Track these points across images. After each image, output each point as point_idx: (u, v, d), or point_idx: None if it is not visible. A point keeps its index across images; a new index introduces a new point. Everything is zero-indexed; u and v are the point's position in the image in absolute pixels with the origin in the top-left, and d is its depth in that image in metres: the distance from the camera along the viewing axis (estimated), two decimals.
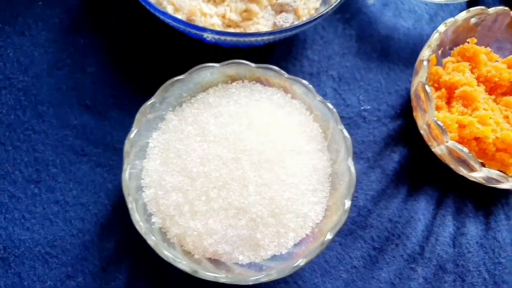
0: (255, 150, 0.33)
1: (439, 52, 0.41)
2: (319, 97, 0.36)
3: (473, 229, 0.39)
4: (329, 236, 0.31)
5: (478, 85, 0.40)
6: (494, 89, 0.40)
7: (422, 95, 0.36)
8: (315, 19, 0.36)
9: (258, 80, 0.37)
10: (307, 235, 0.34)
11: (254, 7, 0.37)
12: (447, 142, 0.35)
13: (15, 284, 0.34)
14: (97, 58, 0.41)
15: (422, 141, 0.39)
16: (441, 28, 0.38)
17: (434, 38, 0.37)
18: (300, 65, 0.43)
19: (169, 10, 0.37)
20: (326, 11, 0.36)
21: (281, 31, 0.35)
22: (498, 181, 0.35)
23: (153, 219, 0.33)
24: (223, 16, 0.37)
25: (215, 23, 0.37)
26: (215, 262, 0.33)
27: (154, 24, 0.41)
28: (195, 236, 0.32)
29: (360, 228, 0.38)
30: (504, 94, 0.41)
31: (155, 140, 0.35)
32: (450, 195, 0.40)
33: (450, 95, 0.40)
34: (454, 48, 0.42)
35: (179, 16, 0.37)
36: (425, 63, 0.37)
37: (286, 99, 0.37)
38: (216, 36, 0.34)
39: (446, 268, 0.37)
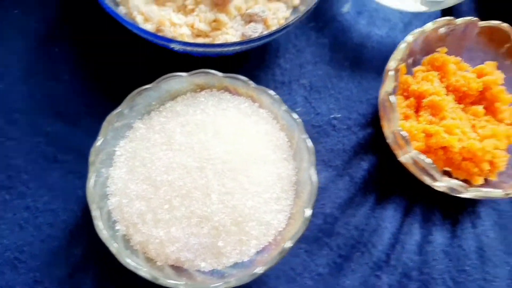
0: (219, 159, 0.34)
1: (410, 60, 0.42)
2: (284, 107, 0.36)
3: (439, 237, 0.39)
4: (288, 245, 0.32)
5: (447, 94, 0.40)
6: (463, 98, 0.41)
7: (387, 105, 0.37)
8: (281, 29, 0.36)
9: (227, 89, 0.38)
10: (269, 242, 0.34)
11: (223, 17, 0.38)
12: (410, 152, 0.35)
13: None
14: (71, 66, 0.42)
15: (391, 150, 0.40)
16: (409, 38, 0.38)
17: (401, 48, 0.38)
18: (272, 73, 0.43)
19: (139, 20, 0.38)
20: (292, 21, 0.37)
21: (248, 42, 0.36)
22: (459, 191, 0.35)
23: (117, 227, 0.34)
24: (192, 26, 0.38)
25: (184, 33, 0.37)
26: (178, 269, 0.33)
27: (127, 33, 0.42)
28: (157, 243, 0.33)
29: (326, 235, 0.38)
30: (473, 103, 0.41)
31: (122, 148, 0.36)
32: (418, 203, 0.40)
33: (418, 104, 0.40)
34: (425, 57, 0.42)
35: (148, 26, 0.37)
36: (390, 73, 0.37)
37: (253, 108, 0.38)
38: (184, 47, 0.35)
39: (411, 275, 0.38)
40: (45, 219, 0.37)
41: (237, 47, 0.36)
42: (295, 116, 0.36)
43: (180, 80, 0.37)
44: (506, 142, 0.39)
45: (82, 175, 0.39)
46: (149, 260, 0.33)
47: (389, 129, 0.37)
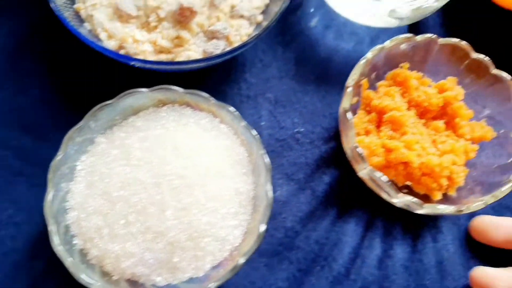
0: (176, 175, 0.34)
1: (373, 75, 0.42)
2: (243, 123, 0.37)
3: (400, 251, 0.40)
4: (241, 261, 0.32)
5: (409, 109, 0.41)
6: (424, 113, 0.41)
7: (344, 121, 0.37)
8: (242, 46, 0.37)
9: (188, 104, 0.39)
10: (225, 258, 0.35)
11: (185, 34, 0.38)
12: (366, 168, 0.36)
13: None
14: (39, 80, 0.42)
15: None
16: (368, 55, 0.39)
17: (360, 65, 0.38)
18: (238, 88, 0.44)
19: (103, 36, 0.38)
20: (252, 38, 0.37)
21: (207, 59, 0.37)
22: (414, 208, 0.36)
23: (75, 241, 0.34)
24: (155, 43, 0.38)
25: (146, 49, 0.38)
26: (134, 283, 0.34)
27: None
28: (113, 258, 0.33)
29: (286, 249, 0.39)
30: (435, 118, 0.41)
31: (83, 163, 0.37)
32: (379, 217, 0.41)
33: (380, 119, 0.41)
34: (388, 72, 0.42)
35: (112, 42, 0.38)
36: (348, 90, 0.37)
37: (214, 123, 0.38)
38: (143, 65, 0.36)
39: None
40: (8, 232, 0.38)
41: (196, 65, 0.36)
42: (254, 132, 0.36)
43: (141, 95, 0.37)
44: (465, 157, 0.39)
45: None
46: (106, 274, 0.34)
47: (347, 145, 0.38)
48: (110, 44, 0.38)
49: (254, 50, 0.45)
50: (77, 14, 0.39)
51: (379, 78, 0.43)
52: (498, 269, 0.37)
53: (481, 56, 0.40)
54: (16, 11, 0.45)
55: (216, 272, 0.34)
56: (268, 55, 0.45)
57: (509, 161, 0.38)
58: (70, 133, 0.36)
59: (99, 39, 0.38)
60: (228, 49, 0.39)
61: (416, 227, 0.41)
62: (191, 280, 0.34)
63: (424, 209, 0.35)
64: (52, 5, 0.36)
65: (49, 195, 0.34)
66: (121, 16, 0.38)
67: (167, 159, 0.35)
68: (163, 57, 0.39)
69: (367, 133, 0.40)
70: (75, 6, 0.39)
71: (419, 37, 0.40)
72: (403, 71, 0.41)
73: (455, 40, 0.40)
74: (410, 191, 0.40)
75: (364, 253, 0.39)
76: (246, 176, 0.37)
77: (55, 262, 0.36)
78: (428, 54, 0.42)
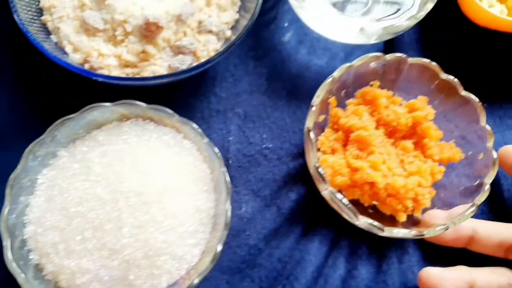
0: (134, 192, 0.34)
1: (343, 93, 0.42)
2: (206, 140, 0.36)
3: (364, 272, 0.39)
4: (196, 281, 0.32)
5: (378, 128, 0.40)
6: (393, 132, 0.41)
7: (307, 140, 0.37)
8: (206, 63, 0.37)
9: (153, 119, 0.38)
10: (182, 276, 0.34)
11: (150, 49, 0.38)
12: (326, 189, 0.35)
13: None
14: (5, 92, 0.42)
15: None
16: (335, 73, 0.38)
17: (326, 84, 0.38)
18: (208, 102, 0.43)
19: (68, 49, 0.38)
20: (218, 54, 0.37)
21: (171, 75, 0.36)
22: (374, 230, 0.35)
23: (31, 256, 0.34)
24: (120, 57, 0.38)
25: (111, 64, 0.38)
26: None
27: None
28: (68, 274, 0.33)
29: (249, 267, 0.39)
30: (404, 137, 0.41)
31: (44, 176, 0.36)
32: (344, 236, 0.40)
33: (347, 137, 0.40)
34: (359, 90, 0.42)
35: (77, 56, 0.38)
36: (313, 109, 0.37)
37: (177, 139, 0.38)
38: (106, 80, 0.35)
39: None
40: None
41: (159, 81, 0.36)
42: (216, 150, 0.36)
43: (104, 110, 0.37)
44: (431, 179, 0.39)
45: None
46: None
47: (310, 164, 0.37)
48: (75, 57, 0.38)
49: (226, 64, 0.45)
50: (44, 25, 0.39)
51: (349, 95, 0.42)
52: (445, 269, 0.36)
53: (450, 78, 0.40)
54: None
55: None
56: (240, 69, 0.45)
57: (475, 183, 0.38)
58: (31, 146, 0.35)
59: (65, 52, 0.38)
60: (194, 64, 0.39)
61: (381, 247, 0.40)
62: None
63: (385, 233, 0.35)
64: (16, 18, 0.36)
65: (5, 210, 0.33)
66: (87, 29, 0.38)
67: (125, 175, 0.35)
68: (128, 71, 0.38)
69: (333, 151, 0.40)
70: (42, 18, 0.39)
71: (389, 56, 0.40)
72: (372, 89, 0.41)
73: (425, 60, 0.40)
74: (376, 211, 0.40)
75: (328, 272, 0.39)
76: (208, 194, 0.37)
77: (12, 278, 0.37)
78: (399, 72, 0.42)
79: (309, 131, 0.37)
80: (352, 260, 0.40)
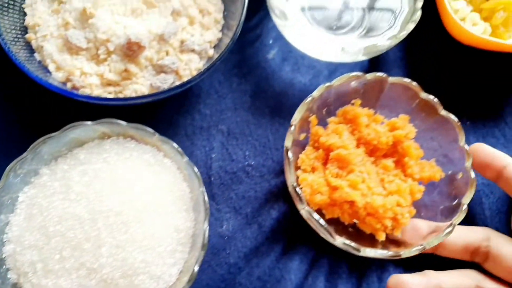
0: (113, 211, 0.34)
1: (324, 111, 0.42)
2: (186, 159, 0.37)
3: None
4: None
5: (358, 147, 0.41)
6: (374, 151, 0.41)
7: (286, 160, 0.37)
8: (188, 82, 0.37)
9: (133, 137, 0.39)
10: None
11: (132, 68, 0.38)
12: (303, 208, 0.36)
13: None
14: None
15: None
16: (314, 93, 0.39)
17: (305, 103, 0.38)
18: (192, 118, 0.44)
19: (51, 68, 0.38)
20: (198, 74, 0.37)
21: (152, 95, 0.37)
22: (351, 251, 0.35)
23: (9, 275, 0.34)
24: (102, 76, 0.38)
25: (93, 82, 0.38)
26: None
27: None
28: None
29: (228, 286, 0.39)
30: (386, 156, 0.41)
31: (24, 194, 0.37)
32: (325, 255, 0.40)
33: (327, 156, 0.40)
34: (340, 108, 0.42)
35: (60, 74, 0.38)
36: (291, 128, 0.37)
37: (157, 157, 0.38)
38: (87, 100, 0.36)
39: None
40: None
41: (140, 101, 0.36)
42: (195, 169, 0.36)
43: (86, 128, 0.37)
44: (411, 198, 0.39)
45: None
46: None
47: (288, 183, 0.38)
48: (58, 76, 0.38)
49: (210, 81, 0.45)
50: (28, 43, 0.40)
51: (331, 113, 0.43)
52: (413, 275, 0.37)
53: (430, 97, 0.40)
54: None
55: None
56: (224, 86, 0.45)
57: (454, 203, 0.38)
58: (12, 164, 0.36)
59: (48, 71, 0.38)
60: (177, 83, 0.39)
61: (362, 266, 0.40)
62: None
63: (361, 253, 0.35)
64: None
65: None
66: (70, 48, 0.38)
67: (104, 194, 0.35)
68: (110, 89, 0.39)
69: (313, 170, 0.40)
70: (27, 36, 0.40)
71: (369, 76, 0.40)
72: (353, 108, 0.41)
73: (405, 80, 0.40)
74: (357, 229, 0.40)
75: None
76: (187, 213, 0.37)
77: None
78: (380, 91, 0.42)
79: (287, 150, 0.37)
80: (332, 279, 0.40)
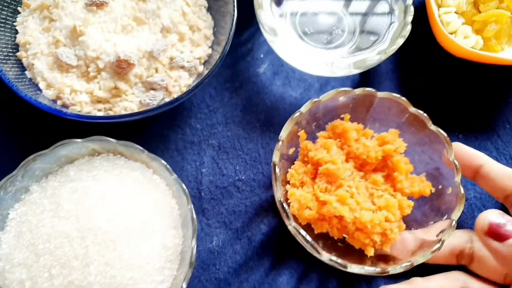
0: (101, 230, 0.35)
1: (313, 125, 0.42)
2: (174, 176, 0.37)
3: None
4: None
5: (348, 161, 0.41)
6: (364, 165, 0.41)
7: (273, 175, 0.37)
8: (176, 100, 0.37)
9: (123, 154, 0.39)
10: None
11: (122, 85, 0.39)
12: (290, 224, 0.36)
13: None
14: None
15: None
16: (302, 108, 0.39)
17: (293, 118, 0.38)
18: (183, 133, 0.44)
19: (42, 86, 0.39)
20: (188, 90, 0.37)
21: (140, 113, 0.37)
22: (338, 267, 0.35)
23: None
24: (92, 93, 0.39)
25: (83, 100, 0.38)
26: None
27: None
28: None
29: None
30: (376, 170, 0.41)
31: (15, 211, 0.37)
32: (315, 270, 0.40)
33: (316, 171, 0.40)
34: (329, 123, 0.42)
35: (50, 92, 0.39)
36: (279, 143, 0.38)
37: (146, 174, 0.38)
38: (76, 119, 0.36)
39: None
40: None
41: (128, 119, 0.37)
42: (184, 186, 0.36)
43: (76, 145, 0.38)
44: (400, 213, 0.39)
45: None
46: None
47: (276, 198, 0.38)
48: (48, 94, 0.38)
49: (202, 95, 0.45)
50: (19, 61, 0.40)
51: (320, 128, 0.43)
52: (401, 284, 0.38)
53: (419, 112, 0.40)
54: None
55: None
56: (215, 100, 0.45)
57: (443, 219, 0.38)
58: (2, 182, 0.36)
59: (39, 88, 0.39)
60: (167, 99, 0.39)
61: (352, 280, 0.40)
62: None
63: (348, 269, 0.35)
64: None
65: None
66: (61, 65, 0.39)
67: (93, 212, 0.35)
68: (100, 106, 0.39)
69: (302, 184, 0.40)
70: (18, 53, 0.40)
71: (358, 91, 0.40)
72: (342, 123, 0.41)
73: (394, 95, 0.40)
74: (346, 244, 0.40)
75: None
76: (175, 230, 0.37)
77: None
78: (369, 106, 0.42)
79: (275, 165, 0.37)
80: None
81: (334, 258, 0.35)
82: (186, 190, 0.36)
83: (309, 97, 0.46)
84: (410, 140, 0.42)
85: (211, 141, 0.44)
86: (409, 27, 0.43)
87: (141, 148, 0.37)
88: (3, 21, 0.40)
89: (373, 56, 0.41)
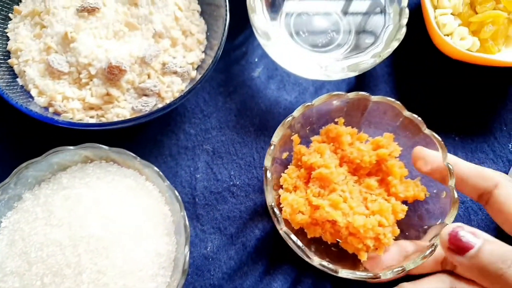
0: (94, 237, 0.34)
1: (307, 129, 0.42)
2: (166, 183, 0.37)
3: None
4: None
5: (342, 166, 0.40)
6: (358, 170, 0.41)
7: (264, 180, 0.37)
8: (169, 106, 0.37)
9: (115, 161, 0.39)
10: None
11: (114, 91, 0.39)
12: (281, 229, 0.35)
13: None
14: None
15: None
16: (295, 113, 0.39)
17: (286, 123, 0.38)
18: (177, 138, 0.44)
19: (34, 93, 0.39)
20: (180, 96, 0.37)
21: (133, 119, 0.37)
22: (330, 272, 0.35)
23: None
24: (84, 100, 0.39)
25: (75, 107, 0.38)
26: None
27: None
28: None
29: None
30: (370, 174, 0.41)
31: (7, 220, 0.37)
32: (309, 275, 0.40)
33: (309, 175, 0.40)
34: (323, 126, 0.42)
35: (42, 99, 0.39)
36: (271, 148, 0.37)
37: (139, 181, 0.38)
38: (68, 126, 0.36)
39: None
40: None
41: (120, 125, 0.37)
42: (176, 193, 0.36)
43: (68, 153, 0.38)
44: (393, 218, 0.39)
45: None
46: None
47: (268, 203, 0.38)
48: (40, 101, 0.38)
49: (196, 100, 0.45)
50: (11, 68, 0.40)
51: (314, 132, 0.42)
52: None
53: (414, 116, 0.40)
54: None
55: None
56: (209, 105, 0.45)
57: (437, 223, 0.38)
58: None
59: (31, 95, 0.39)
60: (160, 105, 0.39)
61: (346, 284, 0.40)
62: None
63: (339, 274, 0.35)
64: None
65: None
66: (52, 72, 0.39)
67: (85, 219, 0.35)
68: (92, 113, 0.39)
69: (295, 189, 0.40)
70: (9, 61, 0.40)
71: (351, 95, 0.40)
72: (336, 127, 0.41)
73: (388, 98, 0.40)
74: (340, 249, 0.40)
75: None
76: (168, 237, 0.37)
77: None
78: (363, 110, 0.42)
79: (266, 170, 0.37)
80: None
81: (325, 263, 0.35)
82: (179, 197, 0.36)
83: (304, 101, 0.46)
84: (405, 144, 0.41)
85: (205, 146, 0.44)
86: (404, 30, 0.42)
87: (134, 155, 0.37)
88: None
89: (368, 59, 0.41)
